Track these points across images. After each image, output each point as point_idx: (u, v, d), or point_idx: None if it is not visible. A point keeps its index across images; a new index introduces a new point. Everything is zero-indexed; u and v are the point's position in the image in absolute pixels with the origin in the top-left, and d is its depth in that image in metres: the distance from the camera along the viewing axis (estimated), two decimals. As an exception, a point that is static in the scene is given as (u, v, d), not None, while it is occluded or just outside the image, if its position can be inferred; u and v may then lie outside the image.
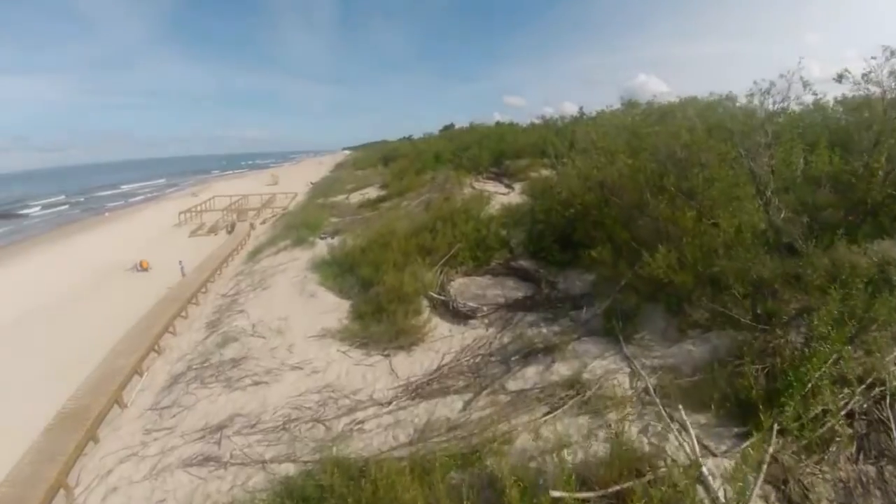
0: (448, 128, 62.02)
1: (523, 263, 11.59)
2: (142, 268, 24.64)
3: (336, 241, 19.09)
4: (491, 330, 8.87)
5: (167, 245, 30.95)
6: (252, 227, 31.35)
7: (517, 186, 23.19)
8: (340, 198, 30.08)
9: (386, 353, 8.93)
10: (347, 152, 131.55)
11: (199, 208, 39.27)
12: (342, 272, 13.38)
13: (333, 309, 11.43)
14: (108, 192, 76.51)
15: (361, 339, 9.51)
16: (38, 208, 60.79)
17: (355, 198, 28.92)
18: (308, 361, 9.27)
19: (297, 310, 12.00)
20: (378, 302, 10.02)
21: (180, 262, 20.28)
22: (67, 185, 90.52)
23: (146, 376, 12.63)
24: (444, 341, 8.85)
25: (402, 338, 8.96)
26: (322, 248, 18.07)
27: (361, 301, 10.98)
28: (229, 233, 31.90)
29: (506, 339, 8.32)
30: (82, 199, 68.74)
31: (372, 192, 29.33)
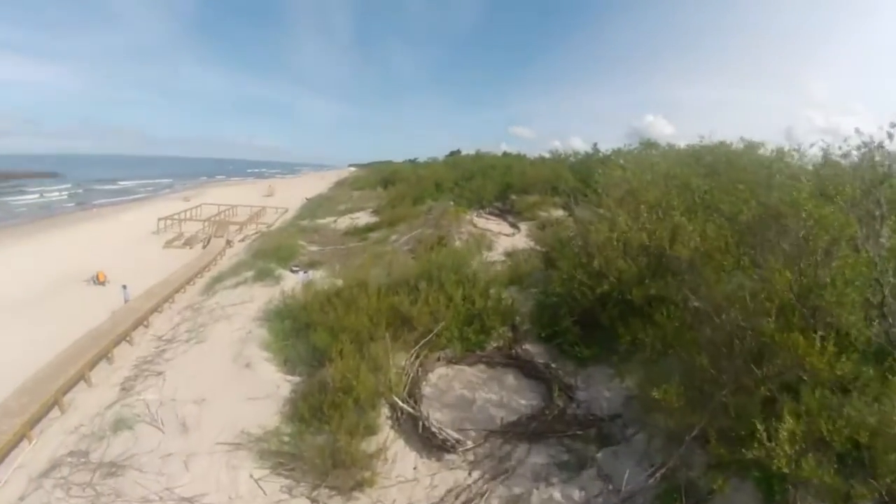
0: (454, 153, 59.94)
1: (530, 350, 8.62)
2: (98, 281, 21.78)
3: (308, 276, 16.22)
4: (475, 475, 5.85)
5: (137, 254, 28.20)
6: (229, 244, 28.44)
7: (524, 227, 20.44)
8: (328, 220, 27.33)
9: (315, 495, 5.88)
10: (353, 169, 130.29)
11: (180, 216, 36.50)
12: (295, 330, 10.42)
13: (267, 393, 8.39)
14: (108, 187, 74.27)
15: (288, 462, 6.46)
16: (35, 195, 57.91)
17: (344, 222, 26.16)
18: (202, 495, 6.21)
19: (223, 387, 8.97)
20: (321, 401, 6.99)
21: (124, 286, 17.32)
22: (71, 174, 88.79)
23: (35, 445, 9.60)
24: (404, 489, 5.81)
25: (343, 473, 5.92)
26: (288, 284, 15.15)
27: (305, 389, 7.95)
28: (205, 248, 29.10)
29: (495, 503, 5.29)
30: (80, 191, 66.82)
31: (363, 218, 26.60)
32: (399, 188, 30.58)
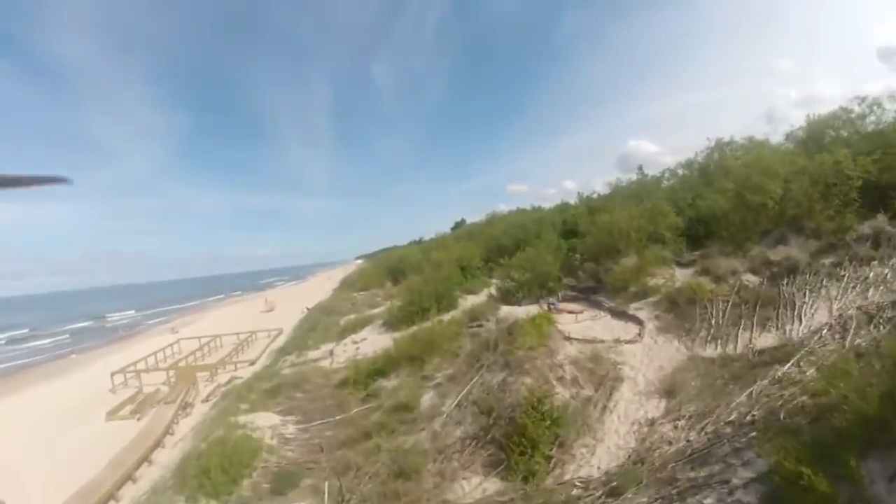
0: (459, 224, 52.66)
1: None
2: (-15, 510, 12.92)
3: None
4: None
5: (71, 436, 19.22)
6: (186, 409, 19.40)
7: (643, 314, 11.44)
8: (322, 351, 18.62)
9: None
10: (359, 262, 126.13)
11: (137, 367, 27.97)
12: None
13: None
14: (108, 324, 69.82)
15: None
16: (45, 340, 54.71)
17: (344, 352, 17.40)
18: None
19: None
20: None
21: None
22: (82, 311, 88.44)
23: None
24: None
25: None
26: None
27: None
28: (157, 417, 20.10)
29: None
30: (81, 331, 62.08)
31: (370, 338, 17.88)
32: (412, 283, 22.06)
